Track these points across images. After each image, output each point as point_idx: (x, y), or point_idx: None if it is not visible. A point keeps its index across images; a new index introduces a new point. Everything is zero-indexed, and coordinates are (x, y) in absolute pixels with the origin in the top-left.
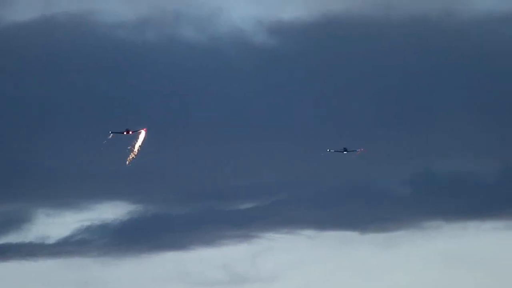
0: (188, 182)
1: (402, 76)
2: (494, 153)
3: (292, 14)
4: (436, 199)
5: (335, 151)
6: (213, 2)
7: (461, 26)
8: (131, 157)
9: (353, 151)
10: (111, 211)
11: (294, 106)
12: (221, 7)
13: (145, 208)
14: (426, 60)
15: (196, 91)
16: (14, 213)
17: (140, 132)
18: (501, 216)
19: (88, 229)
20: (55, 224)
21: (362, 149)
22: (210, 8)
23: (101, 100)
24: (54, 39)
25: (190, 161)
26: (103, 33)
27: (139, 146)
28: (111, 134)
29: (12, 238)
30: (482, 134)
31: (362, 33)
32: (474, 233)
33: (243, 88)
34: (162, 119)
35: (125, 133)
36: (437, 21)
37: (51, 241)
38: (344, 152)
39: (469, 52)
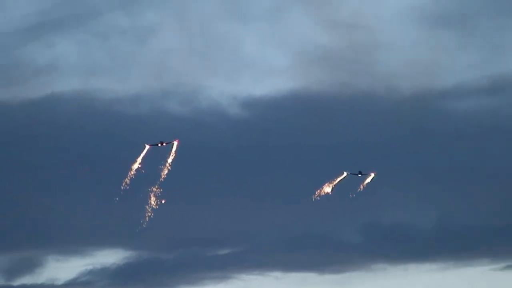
0: (174, 232)
1: (357, 143)
2: (430, 207)
3: (261, 91)
4: (382, 245)
5: (351, 173)
6: (195, 81)
7: (401, 100)
8: (149, 212)
9: (366, 174)
10: (110, 257)
11: (260, 169)
12: (202, 85)
13: (138, 254)
14: (373, 129)
15: (179, 154)
16: (29, 259)
17: (173, 144)
18: (437, 259)
19: (91, 272)
20: (63, 268)
21: (375, 173)
22: (193, 86)
23: (101, 164)
24: (62, 112)
25: (175, 214)
26: (102, 107)
27: (171, 160)
28: (147, 146)
29: (27, 279)
30: (421, 191)
31: (320, 107)
32: (414, 273)
33: (220, 151)
34: None
35: (159, 144)
36: (382, 96)
37: (60, 282)
38: (359, 175)
39: (408, 122)
